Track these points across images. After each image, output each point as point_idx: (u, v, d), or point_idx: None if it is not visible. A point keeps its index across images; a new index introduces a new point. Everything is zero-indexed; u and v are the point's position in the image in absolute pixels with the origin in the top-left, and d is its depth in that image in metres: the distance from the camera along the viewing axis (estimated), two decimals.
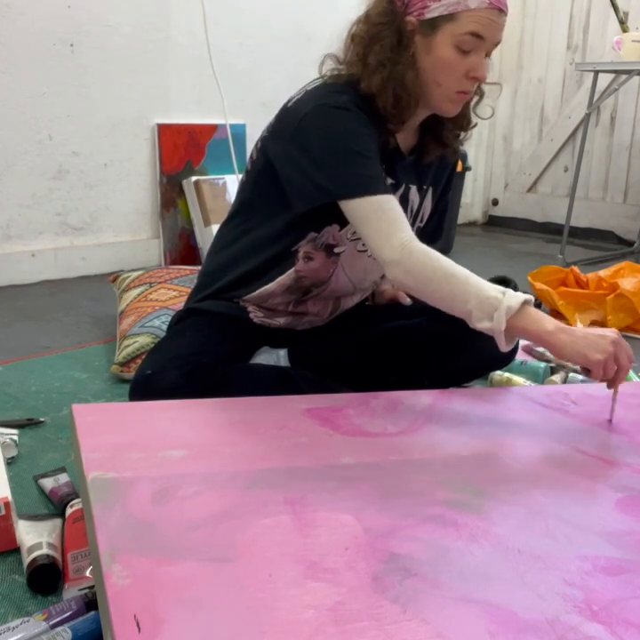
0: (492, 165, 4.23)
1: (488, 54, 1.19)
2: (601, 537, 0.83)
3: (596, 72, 3.00)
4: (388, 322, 1.38)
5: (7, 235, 2.53)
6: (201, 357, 1.24)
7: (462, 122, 1.31)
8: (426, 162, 1.33)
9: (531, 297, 1.11)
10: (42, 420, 1.42)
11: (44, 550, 0.95)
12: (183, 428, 0.99)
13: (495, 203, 4.25)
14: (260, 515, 0.80)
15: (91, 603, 0.86)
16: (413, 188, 1.33)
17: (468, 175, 3.41)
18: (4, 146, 2.46)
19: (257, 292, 1.33)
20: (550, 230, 3.89)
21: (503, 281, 2.42)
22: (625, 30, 2.95)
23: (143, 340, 1.66)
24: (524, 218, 4.10)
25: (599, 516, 0.88)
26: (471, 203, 4.20)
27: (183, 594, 0.67)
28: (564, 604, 0.71)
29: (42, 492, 1.16)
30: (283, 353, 1.38)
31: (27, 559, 0.94)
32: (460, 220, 3.52)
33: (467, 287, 1.10)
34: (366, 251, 1.31)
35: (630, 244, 3.61)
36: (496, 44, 1.19)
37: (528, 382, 1.56)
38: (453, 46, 1.16)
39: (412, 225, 1.37)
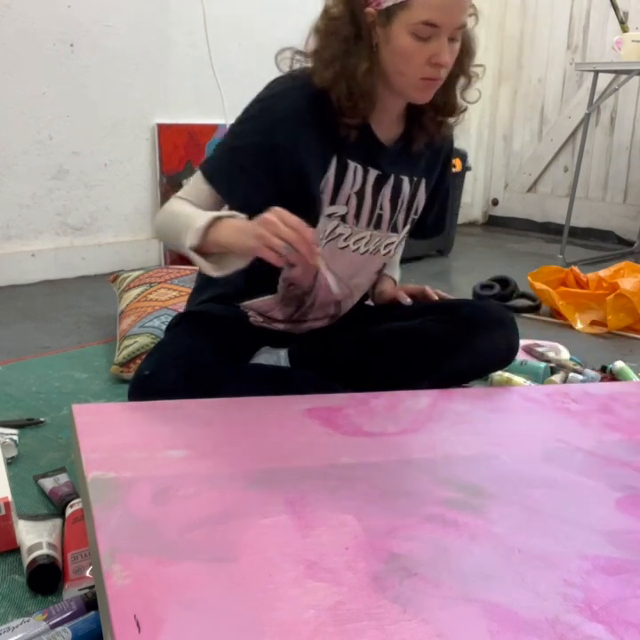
0: (492, 165, 4.23)
1: (454, 38, 1.15)
2: (601, 536, 0.83)
3: (596, 72, 3.00)
4: (388, 322, 1.38)
5: (7, 235, 2.53)
6: (199, 358, 1.24)
7: (446, 108, 1.28)
8: (414, 151, 1.31)
9: (232, 213, 1.13)
10: (42, 420, 1.42)
11: (44, 550, 0.94)
12: (183, 428, 0.99)
13: (495, 203, 4.25)
14: (260, 515, 0.80)
15: (91, 603, 0.85)
16: (405, 179, 1.32)
17: (468, 175, 3.41)
18: (4, 146, 2.46)
19: (254, 301, 1.35)
20: (550, 230, 3.89)
21: (503, 281, 2.43)
22: (625, 30, 2.95)
23: (143, 341, 1.66)
24: (524, 218, 4.10)
25: (599, 516, 0.88)
26: (471, 203, 4.20)
27: (183, 594, 0.67)
28: (564, 604, 0.71)
29: (42, 492, 1.16)
30: (283, 353, 1.38)
31: (27, 559, 0.94)
32: (460, 219, 3.52)
33: (185, 219, 1.13)
34: (348, 246, 1.31)
35: (630, 244, 3.61)
36: (460, 27, 1.14)
37: (528, 382, 1.56)
38: (410, 34, 1.13)
39: (406, 217, 1.35)
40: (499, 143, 4.18)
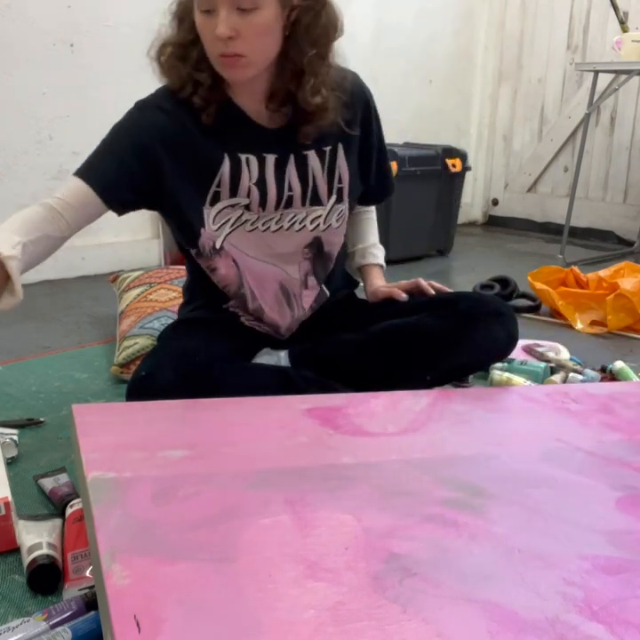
0: (492, 165, 4.23)
1: (242, 8, 1.09)
2: (601, 536, 0.83)
3: (596, 72, 3.00)
4: (386, 319, 1.37)
5: None
6: (196, 358, 1.24)
7: (290, 100, 1.22)
8: (302, 137, 1.26)
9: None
10: (42, 420, 1.42)
11: (44, 550, 0.94)
12: (183, 428, 0.99)
13: (495, 203, 4.25)
14: (260, 515, 0.80)
15: (91, 603, 0.86)
16: (311, 153, 1.28)
17: (468, 175, 3.41)
18: (4, 146, 2.46)
19: (227, 305, 1.37)
20: (550, 230, 3.89)
21: (503, 281, 2.43)
22: (625, 30, 2.95)
23: (143, 342, 1.66)
24: (524, 218, 4.10)
25: (599, 515, 0.88)
26: (471, 203, 4.20)
27: (183, 594, 0.67)
28: (564, 604, 0.71)
29: (42, 492, 1.16)
30: (283, 354, 1.38)
31: (27, 559, 0.94)
32: (460, 219, 3.52)
33: None
34: (256, 228, 1.29)
35: (630, 244, 3.61)
36: None
37: (528, 382, 1.56)
38: (198, 9, 1.12)
39: (330, 187, 1.31)
40: (499, 143, 4.18)
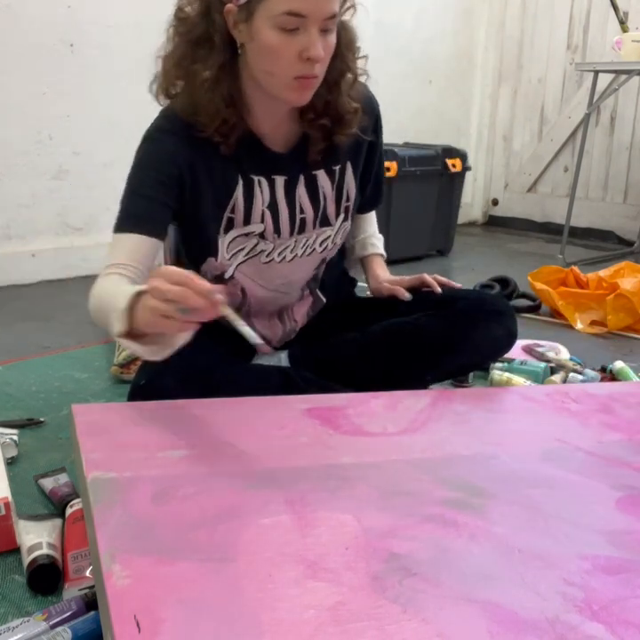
0: (492, 165, 4.23)
1: (326, 29, 1.05)
2: (601, 536, 0.83)
3: (596, 72, 3.00)
4: (386, 319, 1.37)
5: (7, 235, 2.53)
6: (195, 361, 1.23)
7: (330, 109, 1.18)
8: (311, 157, 1.23)
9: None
10: (42, 420, 1.42)
11: (44, 550, 0.94)
12: (183, 428, 0.99)
13: (495, 203, 4.25)
14: (260, 515, 0.80)
15: (91, 603, 0.86)
16: (320, 173, 1.26)
17: (468, 175, 3.41)
18: (4, 146, 2.46)
19: None
20: (550, 230, 3.89)
21: (503, 281, 2.43)
22: (625, 30, 2.95)
23: None
24: (524, 218, 4.10)
25: (599, 515, 0.88)
26: (471, 203, 4.20)
27: (183, 594, 0.67)
28: (564, 604, 0.71)
29: (42, 492, 1.16)
30: (283, 355, 1.38)
31: (27, 559, 0.94)
32: (460, 219, 3.52)
33: (109, 301, 0.99)
34: (272, 260, 1.28)
35: (630, 244, 3.61)
36: (331, 17, 1.05)
37: (528, 382, 1.56)
38: (274, 28, 1.03)
39: (338, 207, 1.30)
40: (499, 143, 4.18)
